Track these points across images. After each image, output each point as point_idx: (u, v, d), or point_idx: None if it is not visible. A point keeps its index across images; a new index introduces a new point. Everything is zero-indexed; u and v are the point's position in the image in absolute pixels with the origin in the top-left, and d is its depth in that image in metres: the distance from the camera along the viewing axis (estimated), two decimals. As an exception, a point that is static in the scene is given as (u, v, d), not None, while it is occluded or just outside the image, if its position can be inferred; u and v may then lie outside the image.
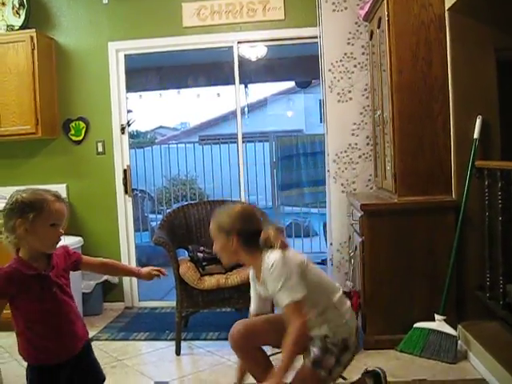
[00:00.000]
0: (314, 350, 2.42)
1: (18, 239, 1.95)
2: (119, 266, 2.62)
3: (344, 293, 3.65)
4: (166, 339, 3.91)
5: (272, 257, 2.30)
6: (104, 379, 2.22)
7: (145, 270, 2.38)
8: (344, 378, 3.07)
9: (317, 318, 2.46)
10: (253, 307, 2.61)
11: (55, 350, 2.00)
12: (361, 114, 4.33)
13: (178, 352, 3.60)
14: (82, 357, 2.10)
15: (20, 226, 1.93)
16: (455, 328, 3.32)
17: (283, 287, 2.28)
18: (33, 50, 4.41)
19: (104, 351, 3.71)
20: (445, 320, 3.31)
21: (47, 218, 1.96)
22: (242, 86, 4.71)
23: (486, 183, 3.28)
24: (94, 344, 3.78)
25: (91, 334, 4.03)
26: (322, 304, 2.44)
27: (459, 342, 3.31)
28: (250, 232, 2.38)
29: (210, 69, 7.17)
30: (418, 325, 3.37)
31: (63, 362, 2.02)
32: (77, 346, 2.08)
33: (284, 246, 2.35)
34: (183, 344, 3.68)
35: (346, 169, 4.35)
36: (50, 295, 2.00)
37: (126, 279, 4.75)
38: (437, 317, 3.32)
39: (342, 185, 4.35)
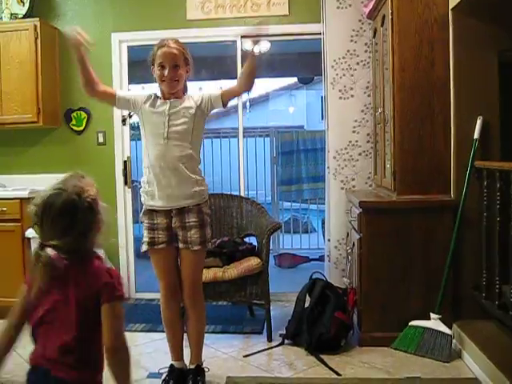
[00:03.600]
0: (196, 227, 2.78)
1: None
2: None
3: (340, 289, 3.70)
4: (162, 331, 3.88)
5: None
6: None
7: None
8: (338, 374, 3.10)
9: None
10: None
11: None
12: (362, 111, 4.34)
13: (173, 344, 3.60)
14: None
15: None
16: (450, 327, 3.34)
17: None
18: (36, 38, 4.40)
19: (100, 341, 3.72)
20: (440, 319, 3.32)
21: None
22: (245, 80, 4.71)
23: (485, 183, 3.29)
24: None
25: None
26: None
27: (454, 340, 3.33)
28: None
29: (212, 62, 7.15)
30: (413, 323, 3.38)
31: None
32: None
33: None
34: (179, 336, 3.68)
35: (345, 166, 4.36)
36: None
37: (123, 271, 4.74)
38: (432, 315, 3.34)
39: (342, 182, 4.37)
